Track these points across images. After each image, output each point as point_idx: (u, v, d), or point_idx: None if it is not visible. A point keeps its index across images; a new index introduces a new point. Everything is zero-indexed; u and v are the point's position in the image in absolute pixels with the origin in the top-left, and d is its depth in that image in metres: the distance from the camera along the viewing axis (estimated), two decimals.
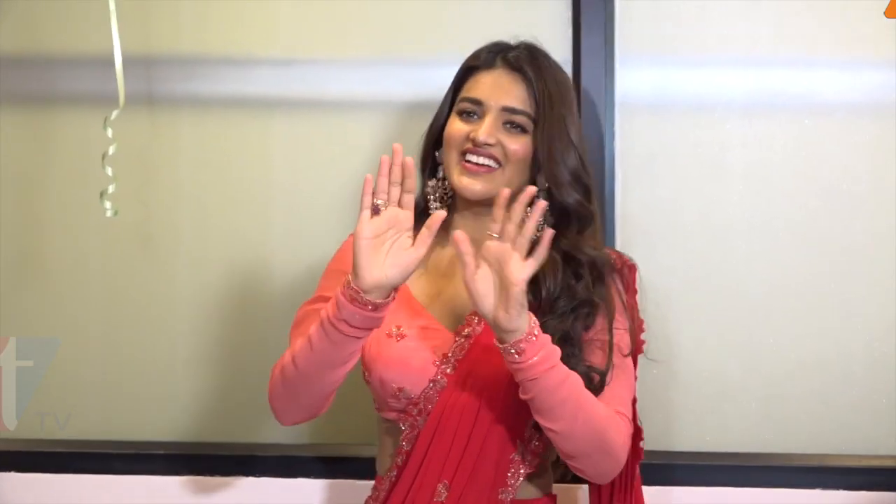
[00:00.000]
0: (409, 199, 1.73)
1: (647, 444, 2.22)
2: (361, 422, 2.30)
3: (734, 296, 2.32)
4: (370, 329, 1.73)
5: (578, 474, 1.83)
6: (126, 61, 2.20)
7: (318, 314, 1.76)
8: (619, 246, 2.30)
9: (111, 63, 2.16)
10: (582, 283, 1.84)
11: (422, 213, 1.88)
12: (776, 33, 2.32)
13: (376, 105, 2.36)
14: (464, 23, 2.31)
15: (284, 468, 2.32)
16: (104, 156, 2.15)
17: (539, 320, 1.74)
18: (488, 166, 1.86)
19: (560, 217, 1.87)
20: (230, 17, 2.38)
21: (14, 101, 2.40)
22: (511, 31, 2.18)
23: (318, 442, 2.37)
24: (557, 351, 1.73)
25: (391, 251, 1.70)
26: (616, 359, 1.85)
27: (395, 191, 1.72)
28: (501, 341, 1.70)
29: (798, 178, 2.31)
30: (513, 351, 1.70)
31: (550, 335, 1.74)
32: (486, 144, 1.84)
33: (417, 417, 1.84)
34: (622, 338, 1.87)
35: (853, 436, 2.31)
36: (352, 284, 1.69)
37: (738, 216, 2.32)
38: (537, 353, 1.70)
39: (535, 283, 1.80)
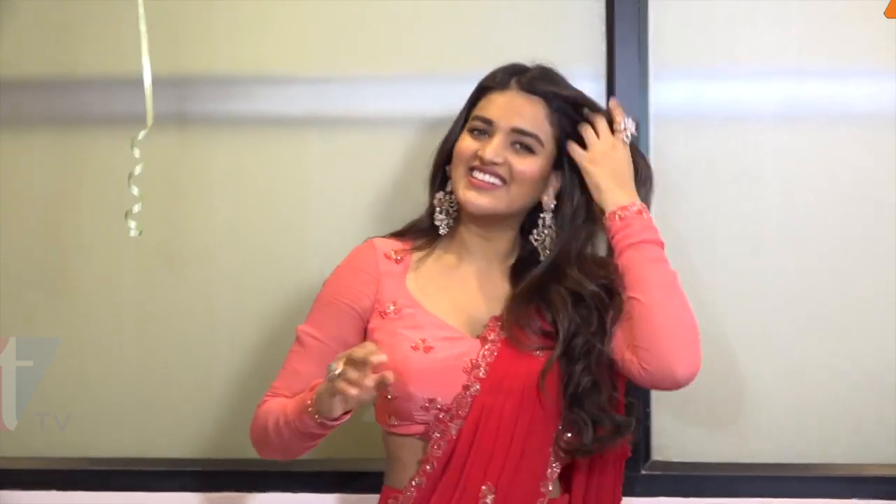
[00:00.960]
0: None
1: (680, 454, 2.29)
2: (368, 435, 2.28)
3: (769, 306, 2.32)
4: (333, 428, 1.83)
5: (649, 367, 1.84)
6: (158, 81, 2.18)
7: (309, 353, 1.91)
8: None
9: (143, 83, 2.14)
10: (595, 316, 1.89)
11: (429, 227, 1.98)
12: (806, 44, 2.31)
13: (412, 122, 2.35)
14: (498, 39, 2.32)
15: (294, 483, 2.34)
16: (130, 175, 2.13)
17: (565, 367, 1.85)
18: (493, 184, 1.90)
19: (565, 245, 1.94)
20: (264, 36, 2.37)
21: (45, 121, 2.39)
22: (544, 46, 2.27)
23: (330, 457, 2.38)
24: (659, 239, 1.88)
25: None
26: None
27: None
28: (606, 209, 1.88)
29: (832, 187, 2.31)
30: (618, 215, 1.87)
31: (580, 383, 1.84)
32: (493, 163, 1.89)
33: (450, 424, 1.86)
34: None
35: (888, 445, 2.31)
36: (318, 419, 1.80)
37: (772, 227, 2.32)
38: (634, 222, 1.86)
39: (552, 323, 1.89)
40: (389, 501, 1.91)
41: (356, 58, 2.36)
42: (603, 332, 1.87)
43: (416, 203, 2.12)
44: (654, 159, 2.26)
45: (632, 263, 1.85)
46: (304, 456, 2.18)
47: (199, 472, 2.35)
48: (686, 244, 2.31)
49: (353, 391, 1.69)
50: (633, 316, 1.85)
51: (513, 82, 1.95)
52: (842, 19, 2.30)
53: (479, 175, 1.90)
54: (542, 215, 1.96)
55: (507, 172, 1.90)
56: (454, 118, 2.03)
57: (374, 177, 2.36)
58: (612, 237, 1.88)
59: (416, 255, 1.97)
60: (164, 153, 2.35)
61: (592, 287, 1.90)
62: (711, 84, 2.32)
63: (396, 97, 2.36)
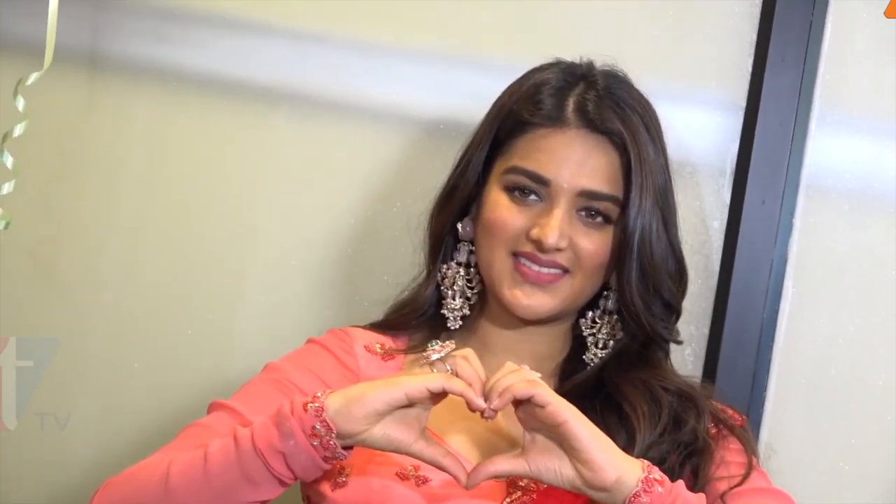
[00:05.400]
0: None
1: None
2: None
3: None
4: (296, 480, 1.47)
5: None
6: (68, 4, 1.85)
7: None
8: (767, 395, 1.99)
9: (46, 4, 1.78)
10: (688, 427, 1.59)
11: (431, 317, 1.69)
12: None
13: (430, 122, 2.00)
14: (595, 25, 1.96)
15: None
16: (5, 137, 1.74)
17: None
18: (553, 275, 1.63)
19: (634, 339, 1.66)
20: None
21: None
22: (659, 49, 1.95)
23: None
24: (700, 495, 1.48)
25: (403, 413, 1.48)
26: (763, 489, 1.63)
27: None
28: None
29: None
30: None
31: None
32: (556, 249, 1.62)
33: None
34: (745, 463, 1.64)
35: None
36: (324, 416, 1.42)
37: None
38: (674, 502, 1.47)
39: (629, 437, 1.58)
40: None
41: (361, 18, 2.04)
42: (694, 451, 1.60)
43: (407, 236, 1.80)
44: (797, 247, 1.97)
45: None
46: None
47: None
48: (817, 387, 1.98)
49: (469, 369, 1.46)
50: None
51: (572, 116, 1.60)
52: None
53: (532, 265, 1.60)
54: (604, 293, 1.67)
55: (571, 258, 1.60)
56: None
57: (356, 186, 2.04)
58: None
59: (412, 357, 1.68)
60: (60, 109, 2.04)
61: (674, 386, 1.64)
62: None
63: (415, 81, 2.01)
